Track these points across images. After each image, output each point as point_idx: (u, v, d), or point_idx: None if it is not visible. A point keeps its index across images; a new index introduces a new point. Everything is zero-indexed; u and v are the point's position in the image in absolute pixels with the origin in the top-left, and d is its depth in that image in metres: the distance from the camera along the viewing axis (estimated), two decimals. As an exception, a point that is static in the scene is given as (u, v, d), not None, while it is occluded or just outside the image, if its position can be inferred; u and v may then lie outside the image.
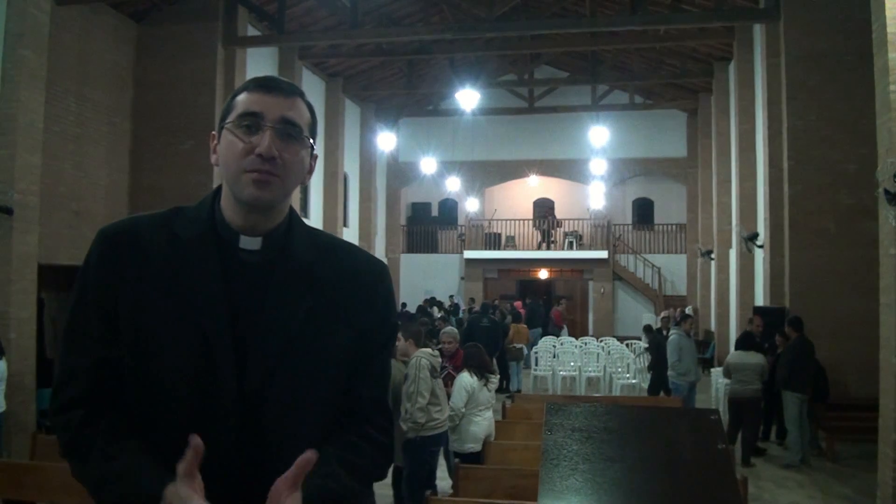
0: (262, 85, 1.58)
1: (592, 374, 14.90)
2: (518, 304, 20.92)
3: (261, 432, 1.52)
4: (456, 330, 8.26)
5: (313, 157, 1.65)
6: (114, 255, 1.58)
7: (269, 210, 1.59)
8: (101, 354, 1.55)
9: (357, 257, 1.72)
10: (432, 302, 21.99)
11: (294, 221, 1.67)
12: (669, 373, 10.64)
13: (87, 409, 1.54)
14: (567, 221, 26.09)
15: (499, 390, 14.39)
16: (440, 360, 6.94)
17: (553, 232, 25.85)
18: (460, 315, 19.63)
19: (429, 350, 6.86)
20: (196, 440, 1.35)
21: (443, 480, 7.38)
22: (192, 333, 1.51)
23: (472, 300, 22.49)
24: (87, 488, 1.51)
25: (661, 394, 12.51)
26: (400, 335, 7.13)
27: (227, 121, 1.57)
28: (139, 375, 1.53)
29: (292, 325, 1.55)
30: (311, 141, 1.62)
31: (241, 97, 1.58)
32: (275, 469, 1.46)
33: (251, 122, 1.54)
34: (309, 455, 1.38)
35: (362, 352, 1.65)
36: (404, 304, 22.07)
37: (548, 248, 25.68)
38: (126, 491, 1.44)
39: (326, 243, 1.70)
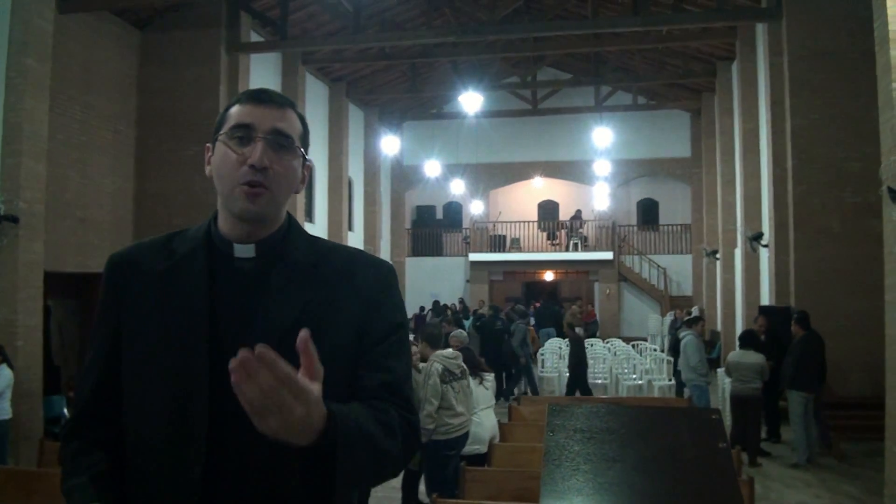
0: (253, 97, 1.61)
1: (599, 381, 14.80)
2: (536, 305, 20.96)
3: (245, 444, 1.47)
4: (465, 333, 8.27)
5: (306, 167, 1.67)
6: (116, 280, 1.66)
7: (261, 222, 1.61)
8: (99, 379, 1.63)
9: (358, 259, 1.70)
10: (436, 307, 21.96)
11: (293, 228, 1.68)
12: (690, 375, 10.53)
13: (76, 423, 1.64)
14: (569, 221, 26.06)
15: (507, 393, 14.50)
16: (460, 360, 6.90)
17: (581, 231, 25.73)
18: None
19: (445, 352, 6.83)
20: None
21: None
22: (173, 346, 1.54)
23: (482, 302, 22.49)
24: None
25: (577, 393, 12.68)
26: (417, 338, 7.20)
27: (220, 133, 1.60)
28: (130, 391, 1.59)
29: (282, 328, 1.51)
30: (303, 151, 1.64)
31: (234, 110, 1.61)
32: (253, 483, 1.47)
33: (243, 133, 1.57)
34: (304, 333, 1.27)
35: (364, 348, 1.61)
36: (423, 308, 22.07)
37: (568, 248, 25.57)
38: None
39: (326, 247, 1.70)
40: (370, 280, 1.66)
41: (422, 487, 7.33)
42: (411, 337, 12.23)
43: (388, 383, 1.59)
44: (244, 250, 1.61)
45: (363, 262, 1.70)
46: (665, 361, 14.33)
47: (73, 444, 1.61)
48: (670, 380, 13.96)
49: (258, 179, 1.54)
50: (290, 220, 1.69)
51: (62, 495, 1.56)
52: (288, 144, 1.59)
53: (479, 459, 6.71)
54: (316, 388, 1.27)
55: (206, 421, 1.50)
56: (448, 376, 6.58)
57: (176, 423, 1.51)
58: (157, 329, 1.56)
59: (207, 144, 1.66)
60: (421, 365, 6.96)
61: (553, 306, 21.33)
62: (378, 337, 1.62)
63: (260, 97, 1.60)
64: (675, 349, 13.40)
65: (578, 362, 13.13)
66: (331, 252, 1.69)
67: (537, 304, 21.98)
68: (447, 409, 6.50)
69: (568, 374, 13.44)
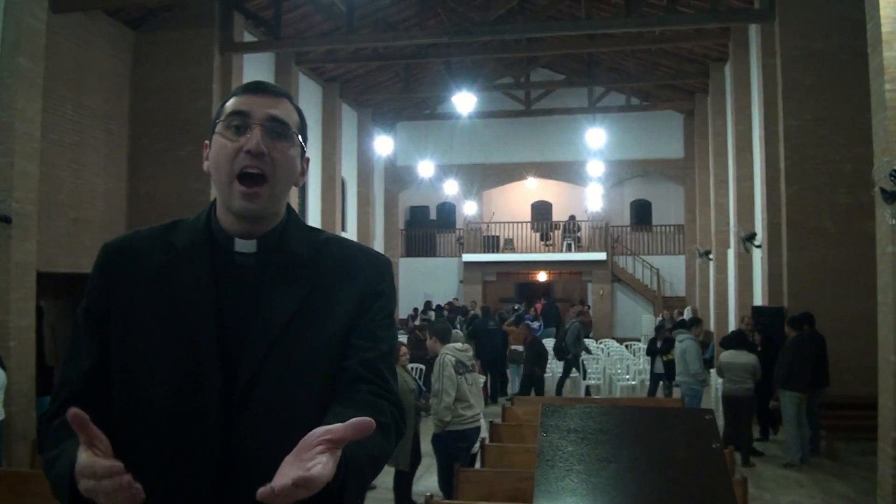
0: (249, 88, 1.62)
1: (592, 382, 14.79)
2: (539, 306, 21.04)
3: (247, 436, 1.49)
4: (461, 333, 8.28)
5: (305, 160, 1.66)
6: (110, 268, 1.62)
7: (261, 220, 1.60)
8: (91, 364, 1.57)
9: (355, 252, 1.70)
10: (428, 306, 22.01)
11: (292, 221, 1.67)
12: (686, 379, 10.50)
13: (59, 408, 1.53)
14: (565, 223, 26.08)
15: (501, 393, 14.52)
16: (470, 353, 6.92)
17: (578, 235, 25.75)
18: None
19: (456, 345, 6.85)
20: (75, 414, 1.26)
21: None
22: (178, 340, 1.51)
23: (475, 303, 22.51)
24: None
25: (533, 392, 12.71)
26: (427, 334, 7.25)
27: (217, 123, 1.60)
28: (126, 382, 1.54)
29: (279, 323, 1.54)
30: (301, 140, 1.63)
31: (230, 101, 1.61)
32: (261, 475, 1.46)
33: (239, 121, 1.56)
34: (369, 421, 1.24)
35: (353, 331, 1.60)
36: (416, 310, 22.05)
37: (562, 249, 25.55)
38: (55, 473, 1.43)
39: (324, 240, 1.70)
40: (368, 275, 1.67)
41: (415, 488, 7.34)
42: (405, 338, 12.28)
43: (366, 362, 1.58)
44: (245, 245, 1.61)
45: (361, 255, 1.70)
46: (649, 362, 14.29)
47: (54, 422, 1.53)
48: (664, 379, 13.91)
49: (256, 164, 1.53)
50: (290, 212, 1.69)
51: (46, 476, 1.48)
52: (284, 132, 1.58)
53: (471, 459, 6.73)
54: (335, 459, 1.26)
55: (219, 424, 1.48)
56: (461, 367, 6.61)
57: (184, 426, 1.48)
58: (160, 326, 1.53)
59: (206, 141, 1.65)
60: (409, 366, 6.99)
61: (554, 306, 21.57)
62: (367, 319, 1.63)
63: (256, 87, 1.61)
64: (652, 350, 13.37)
65: (537, 360, 13.19)
66: (328, 245, 1.68)
67: (540, 305, 22.03)
68: (461, 401, 6.53)
69: (527, 374, 13.40)
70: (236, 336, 1.53)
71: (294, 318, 1.55)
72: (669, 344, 13.05)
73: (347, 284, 1.62)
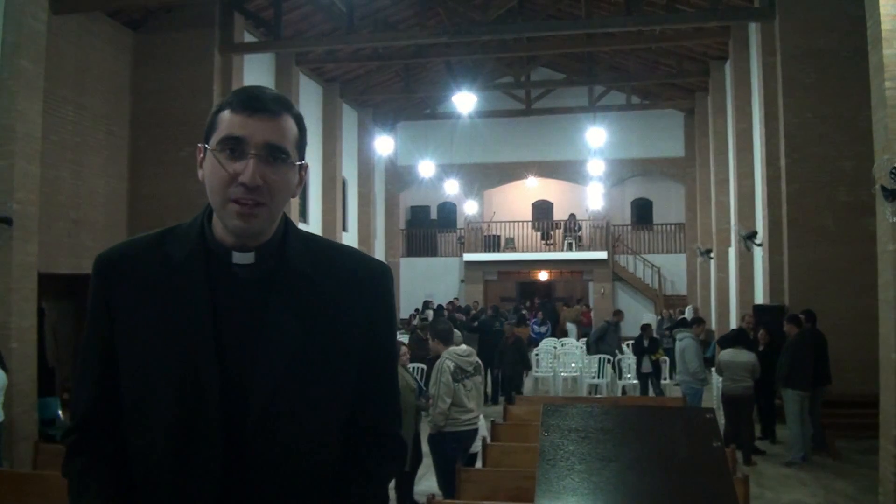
0: (246, 105, 1.50)
1: (593, 380, 14.78)
2: (537, 305, 21.12)
3: (254, 458, 1.48)
4: (460, 334, 8.27)
5: (303, 169, 1.60)
6: (108, 281, 1.58)
7: (257, 238, 1.55)
8: (101, 382, 1.57)
9: (356, 261, 1.66)
10: (427, 306, 22.07)
11: (289, 229, 1.62)
12: (686, 377, 10.48)
13: (79, 436, 1.58)
14: (565, 222, 26.08)
15: (502, 392, 14.51)
16: (473, 357, 6.90)
17: (578, 234, 25.77)
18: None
19: (458, 350, 6.83)
20: None
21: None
22: (177, 356, 1.48)
23: (476, 303, 22.52)
24: None
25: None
26: (428, 335, 7.25)
27: (210, 143, 1.52)
28: (131, 397, 1.53)
29: (292, 341, 1.51)
30: (300, 159, 1.58)
31: (225, 116, 1.51)
32: (267, 499, 1.46)
33: (234, 146, 1.48)
34: None
35: (368, 365, 1.61)
36: (417, 310, 22.10)
37: (563, 248, 25.55)
38: None
39: (323, 249, 1.64)
40: (374, 292, 1.65)
41: (417, 488, 7.35)
42: (406, 338, 12.29)
43: (388, 410, 1.69)
44: (243, 258, 1.55)
45: (363, 268, 1.66)
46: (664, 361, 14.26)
47: (78, 460, 1.55)
48: (653, 378, 13.85)
49: (251, 197, 1.47)
50: (286, 221, 1.63)
51: None
52: (283, 158, 1.51)
53: (471, 459, 6.73)
54: None
55: (221, 444, 1.46)
56: (460, 374, 6.60)
57: (185, 445, 1.47)
58: (159, 342, 1.49)
59: (199, 145, 1.57)
60: (410, 366, 6.98)
61: (549, 306, 21.65)
62: (383, 357, 1.67)
63: (253, 106, 1.49)
64: (639, 350, 13.34)
65: (522, 361, 13.17)
66: (328, 254, 1.64)
67: (537, 302, 22.09)
68: (457, 406, 6.53)
69: (509, 375, 13.35)
70: (237, 355, 1.50)
71: (308, 334, 1.52)
72: (656, 343, 13.07)
73: (353, 303, 1.60)
